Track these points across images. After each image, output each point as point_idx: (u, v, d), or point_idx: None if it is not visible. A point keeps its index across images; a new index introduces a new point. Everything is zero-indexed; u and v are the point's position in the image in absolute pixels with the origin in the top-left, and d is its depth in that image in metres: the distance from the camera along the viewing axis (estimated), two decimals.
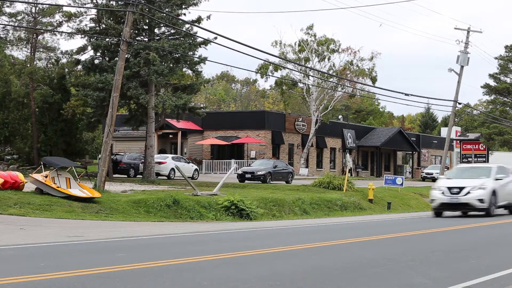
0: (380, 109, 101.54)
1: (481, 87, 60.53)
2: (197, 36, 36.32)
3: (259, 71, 52.23)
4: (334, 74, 51.79)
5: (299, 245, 13.15)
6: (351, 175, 49.00)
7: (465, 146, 60.99)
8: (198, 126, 52.91)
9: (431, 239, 15.90)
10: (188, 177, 31.72)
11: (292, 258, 11.20)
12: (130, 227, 18.37)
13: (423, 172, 59.76)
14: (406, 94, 35.73)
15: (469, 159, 54.25)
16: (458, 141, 63.78)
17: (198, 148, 54.38)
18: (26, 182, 22.61)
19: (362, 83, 55.48)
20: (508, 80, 60.28)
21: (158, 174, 37.93)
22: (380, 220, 24.26)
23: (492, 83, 60.03)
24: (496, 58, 59.59)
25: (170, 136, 52.60)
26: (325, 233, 17.42)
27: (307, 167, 52.81)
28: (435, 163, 67.17)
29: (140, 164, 39.97)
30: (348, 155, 57.57)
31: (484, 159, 59.81)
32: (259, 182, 37.56)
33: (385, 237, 15.62)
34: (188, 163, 42.84)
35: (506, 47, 59.64)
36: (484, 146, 60.06)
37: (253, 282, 8.21)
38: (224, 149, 52.98)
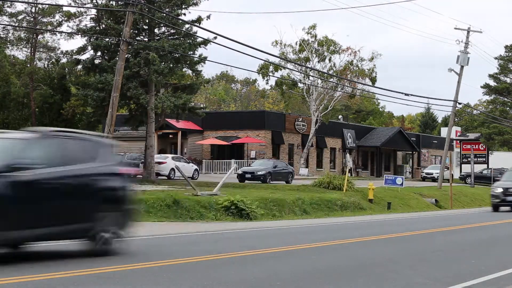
0: (380, 109, 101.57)
1: (481, 87, 60.64)
2: (197, 36, 36.33)
3: (260, 72, 52.21)
4: (334, 74, 51.76)
5: (299, 245, 13.15)
6: (351, 175, 49.09)
7: (465, 146, 61.09)
8: (198, 126, 52.92)
9: (431, 239, 15.90)
10: (188, 177, 31.71)
11: (292, 258, 11.20)
12: None
13: (423, 172, 59.75)
14: (406, 94, 35.75)
15: (469, 159, 54.44)
16: (458, 141, 63.86)
17: (198, 148, 54.41)
18: None
19: (362, 83, 55.43)
20: (508, 80, 60.35)
21: (158, 174, 37.91)
22: (380, 220, 24.27)
23: (492, 83, 60.09)
24: (496, 58, 59.65)
25: (170, 136, 52.61)
26: (325, 233, 17.43)
27: (307, 167, 52.80)
28: (435, 163, 67.18)
29: (140, 164, 39.98)
30: (348, 155, 57.60)
31: (484, 159, 59.96)
32: (259, 182, 37.56)
33: (385, 237, 15.62)
34: (188, 163, 42.84)
35: (506, 47, 59.69)
36: (484, 146, 60.14)
37: (253, 282, 8.21)
38: (224, 149, 53.01)
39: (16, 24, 46.08)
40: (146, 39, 36.85)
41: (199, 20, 35.90)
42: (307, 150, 53.11)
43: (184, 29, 35.61)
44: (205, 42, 34.87)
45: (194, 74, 40.06)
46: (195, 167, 43.07)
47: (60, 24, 44.89)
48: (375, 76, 53.42)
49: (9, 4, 42.67)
